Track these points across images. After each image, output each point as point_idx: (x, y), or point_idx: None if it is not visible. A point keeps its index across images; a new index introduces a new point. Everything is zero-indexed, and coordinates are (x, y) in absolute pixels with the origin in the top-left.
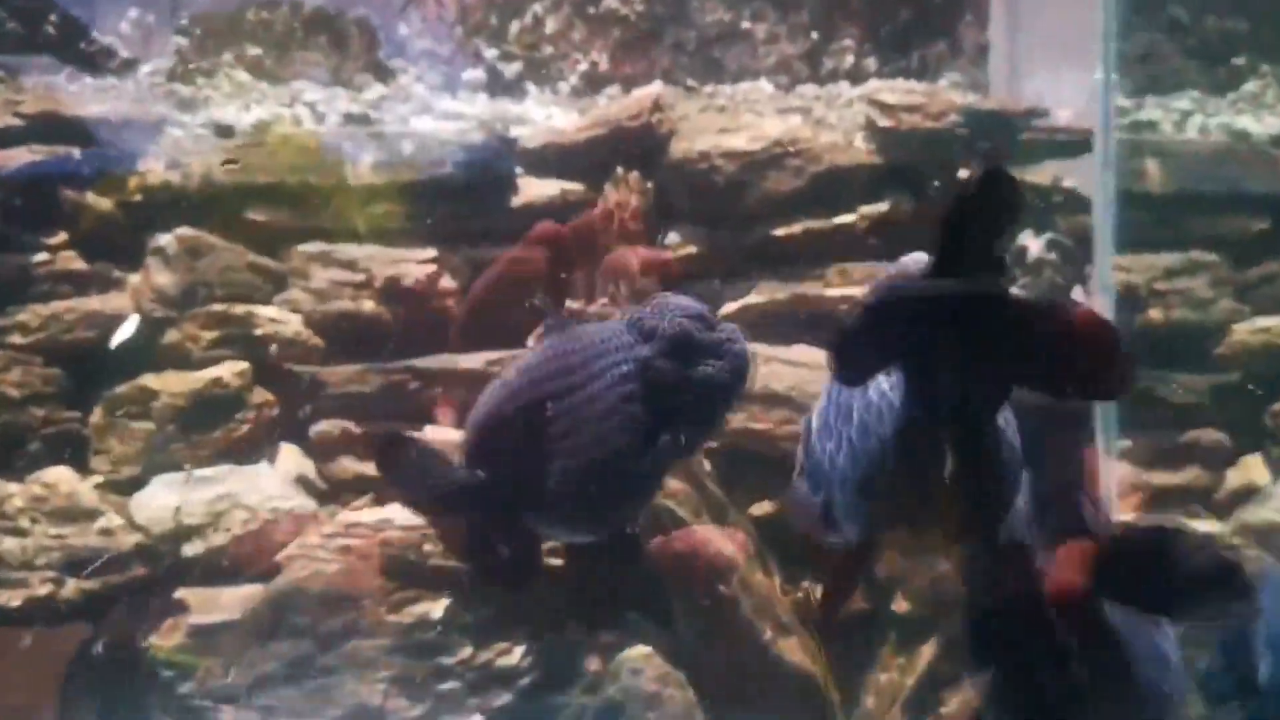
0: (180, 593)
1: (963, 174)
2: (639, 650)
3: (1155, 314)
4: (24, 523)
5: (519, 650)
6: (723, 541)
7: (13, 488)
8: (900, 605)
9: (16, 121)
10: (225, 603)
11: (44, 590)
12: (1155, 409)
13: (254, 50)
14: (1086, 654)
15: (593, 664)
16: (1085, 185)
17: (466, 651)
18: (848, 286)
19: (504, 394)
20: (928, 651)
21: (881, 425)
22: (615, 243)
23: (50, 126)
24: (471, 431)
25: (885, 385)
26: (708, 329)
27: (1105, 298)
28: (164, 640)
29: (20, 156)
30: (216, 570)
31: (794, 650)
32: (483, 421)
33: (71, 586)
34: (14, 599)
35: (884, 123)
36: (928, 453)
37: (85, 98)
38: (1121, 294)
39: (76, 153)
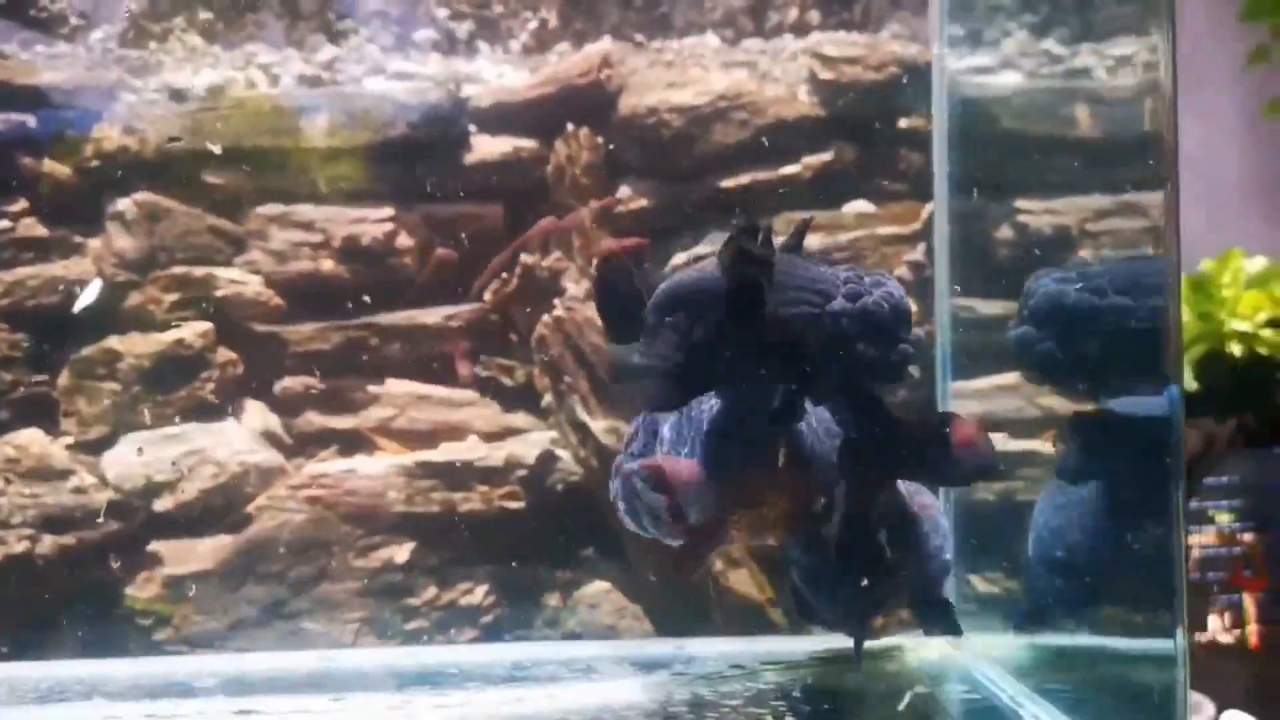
0: (154, 545)
1: (903, 123)
2: (597, 586)
3: (1085, 253)
4: None
5: (481, 589)
6: (676, 463)
7: None
8: None
9: None
10: (198, 554)
11: (20, 547)
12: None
13: (205, 14)
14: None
15: (552, 600)
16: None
17: (431, 592)
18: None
19: (695, 279)
20: None
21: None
22: (567, 197)
23: (4, 94)
24: (664, 296)
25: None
26: (904, 328)
27: (940, 243)
28: (140, 591)
29: None
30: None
31: (743, 581)
32: (669, 292)
33: (48, 542)
34: None
35: (826, 75)
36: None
37: (38, 65)
38: (1051, 236)
39: (32, 120)
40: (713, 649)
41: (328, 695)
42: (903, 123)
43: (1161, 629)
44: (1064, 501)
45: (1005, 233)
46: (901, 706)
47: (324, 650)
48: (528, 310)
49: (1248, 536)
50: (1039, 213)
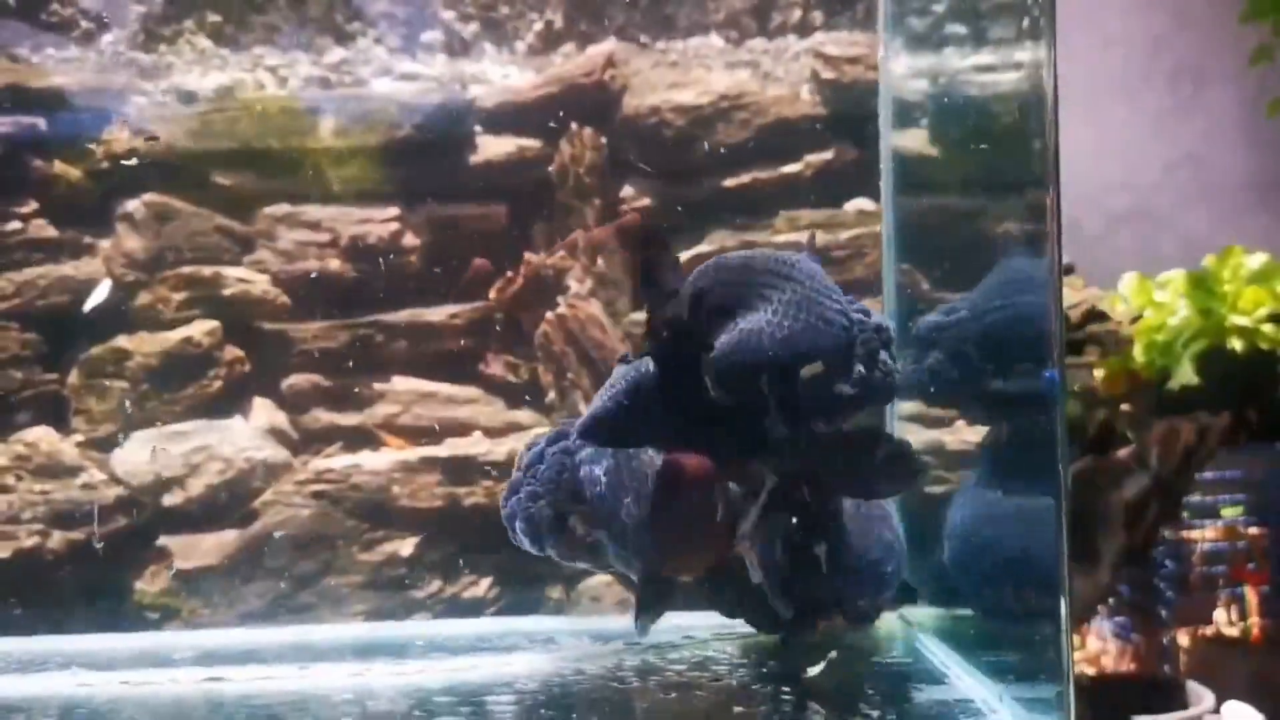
0: (163, 540)
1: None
2: (599, 579)
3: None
4: (9, 480)
5: (485, 582)
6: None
7: None
8: None
9: None
10: (205, 548)
11: (31, 542)
12: None
13: (214, 17)
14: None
15: (555, 593)
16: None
17: (436, 585)
18: (795, 233)
19: (722, 263)
20: None
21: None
22: (571, 197)
23: (15, 98)
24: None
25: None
26: (885, 352)
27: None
28: (149, 585)
29: None
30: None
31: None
32: (703, 271)
33: (57, 538)
34: (2, 551)
35: (827, 74)
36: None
37: (49, 68)
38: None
39: (43, 122)
40: (669, 622)
41: (295, 665)
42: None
43: (1051, 601)
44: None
45: (938, 235)
46: (820, 667)
47: (298, 626)
48: (533, 309)
49: (1252, 530)
50: (956, 215)
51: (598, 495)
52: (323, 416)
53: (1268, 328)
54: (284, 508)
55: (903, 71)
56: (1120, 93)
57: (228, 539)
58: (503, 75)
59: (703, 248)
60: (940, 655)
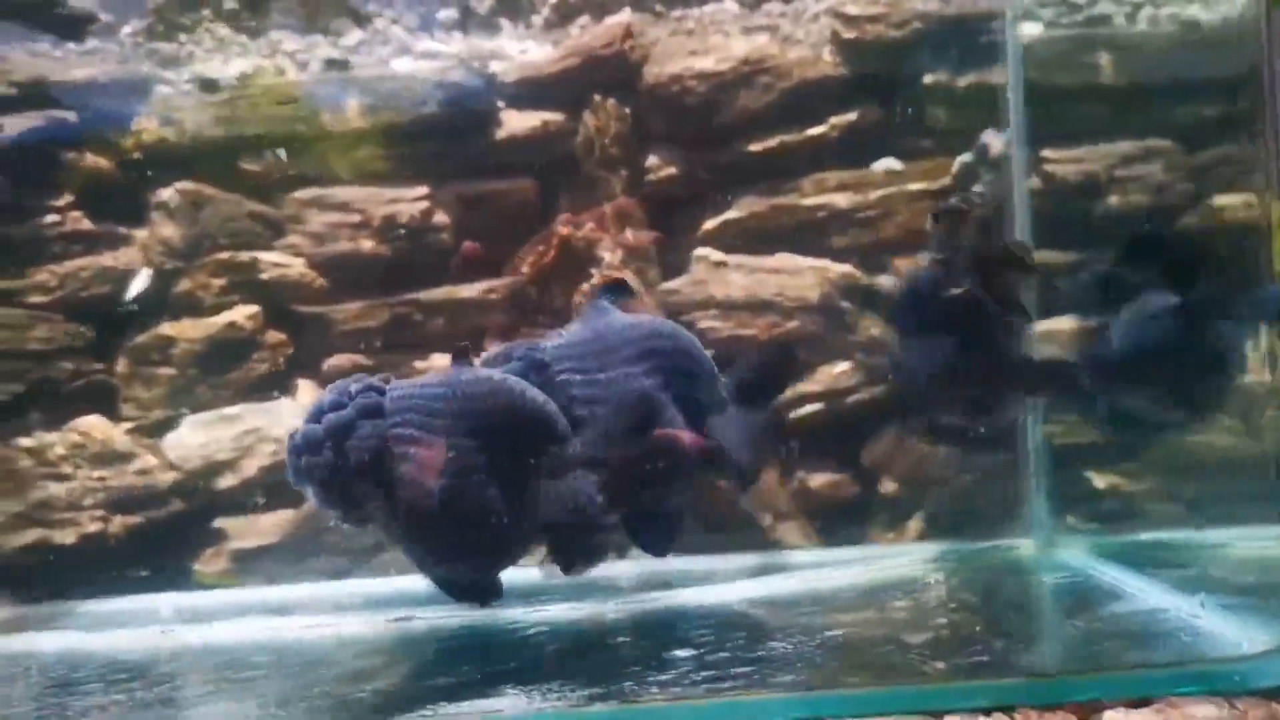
0: (219, 522)
1: (928, 80)
2: None
3: (1114, 199)
4: (67, 469)
5: (539, 551)
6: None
7: (52, 437)
8: (886, 487)
9: (9, 90)
10: (262, 528)
11: (94, 528)
12: None
13: (231, 3)
14: None
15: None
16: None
17: None
18: (822, 195)
19: None
20: (914, 527)
21: None
22: (598, 168)
23: (42, 93)
24: None
25: None
26: None
27: (1020, 190)
28: (207, 566)
29: (19, 123)
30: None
31: (793, 534)
32: None
33: (118, 522)
34: (69, 537)
35: (848, 34)
36: None
37: (71, 63)
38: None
39: (72, 116)
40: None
41: (385, 617)
42: (927, 79)
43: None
44: None
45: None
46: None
47: (362, 578)
48: (565, 280)
49: None
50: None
51: (404, 484)
52: None
53: None
54: None
55: (1088, 8)
56: None
57: (283, 518)
58: (521, 50)
59: (732, 214)
60: (1110, 573)
